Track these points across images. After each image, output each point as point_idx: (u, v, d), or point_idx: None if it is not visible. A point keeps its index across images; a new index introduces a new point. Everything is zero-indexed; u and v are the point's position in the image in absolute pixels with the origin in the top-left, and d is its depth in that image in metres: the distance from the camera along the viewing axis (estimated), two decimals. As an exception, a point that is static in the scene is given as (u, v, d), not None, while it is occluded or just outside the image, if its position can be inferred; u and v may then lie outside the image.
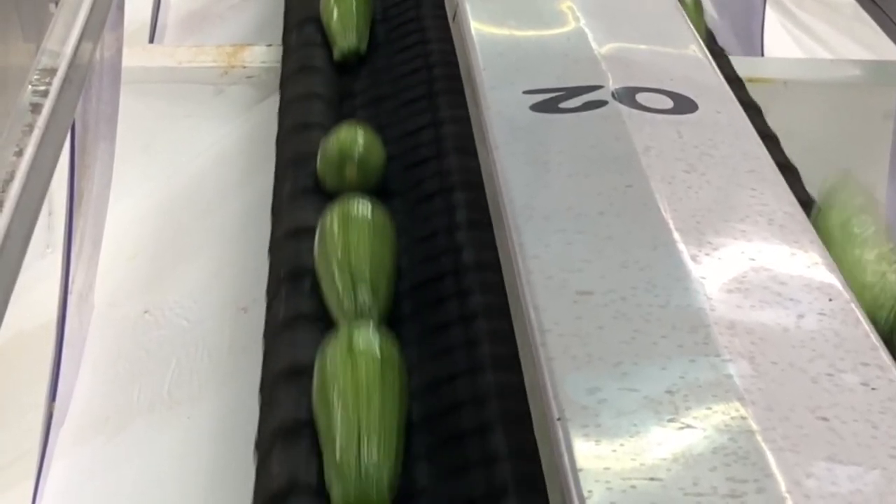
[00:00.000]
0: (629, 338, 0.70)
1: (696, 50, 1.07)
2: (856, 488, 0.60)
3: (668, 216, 0.81)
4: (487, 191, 0.91)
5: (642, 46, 1.05)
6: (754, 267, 0.77)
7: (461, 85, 1.08)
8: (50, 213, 1.34)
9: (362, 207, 1.05)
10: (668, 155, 0.88)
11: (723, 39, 1.67)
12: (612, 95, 0.95)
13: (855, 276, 0.92)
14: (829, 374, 0.68)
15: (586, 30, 1.06)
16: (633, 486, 0.60)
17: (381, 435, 0.83)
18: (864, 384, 0.68)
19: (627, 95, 0.95)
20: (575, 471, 0.61)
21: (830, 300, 0.74)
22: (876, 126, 1.48)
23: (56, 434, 1.14)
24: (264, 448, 0.86)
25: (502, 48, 1.05)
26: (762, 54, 1.83)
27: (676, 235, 0.79)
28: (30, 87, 0.97)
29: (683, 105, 0.96)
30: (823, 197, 1.04)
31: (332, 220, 1.04)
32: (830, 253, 0.80)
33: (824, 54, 2.07)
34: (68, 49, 1.03)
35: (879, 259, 0.95)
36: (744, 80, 1.32)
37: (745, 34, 1.86)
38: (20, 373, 1.26)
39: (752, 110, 1.22)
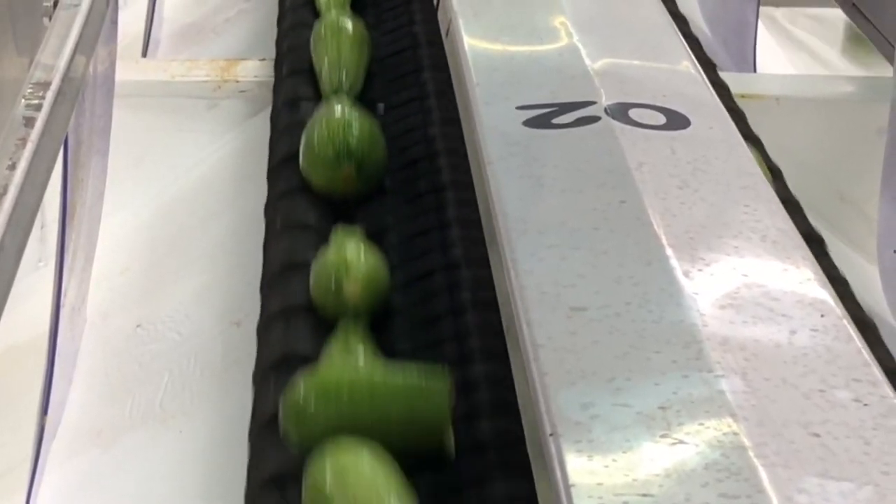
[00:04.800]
0: (622, 353, 0.70)
1: (689, 65, 1.07)
2: (848, 504, 0.61)
3: (661, 232, 0.81)
4: (480, 206, 0.91)
5: (635, 62, 1.06)
6: (747, 283, 0.77)
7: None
8: (42, 227, 1.34)
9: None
10: (661, 171, 0.88)
11: (715, 55, 1.68)
12: (605, 111, 0.95)
13: None
14: (822, 390, 0.68)
15: (579, 45, 1.06)
16: (625, 502, 0.60)
17: None
18: (857, 400, 0.68)
19: (620, 111, 0.95)
20: (567, 486, 0.61)
21: (822, 316, 0.74)
22: (868, 142, 1.49)
23: (48, 447, 1.14)
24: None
25: (496, 63, 1.05)
26: (755, 70, 1.84)
27: (670, 251, 0.79)
28: (23, 100, 0.97)
29: (676, 121, 0.96)
30: None
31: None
32: None
33: (817, 70, 2.07)
34: (62, 63, 1.03)
35: None
36: (736, 96, 1.33)
37: (738, 50, 1.87)
38: (12, 385, 1.26)
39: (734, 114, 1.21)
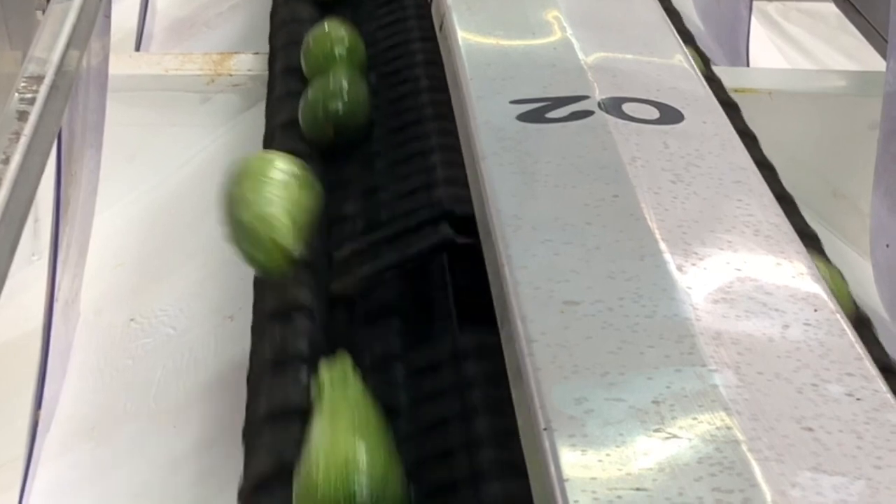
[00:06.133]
0: (616, 348, 0.70)
1: (682, 60, 1.07)
2: (841, 498, 0.61)
3: (654, 226, 0.81)
4: (474, 201, 0.91)
5: (629, 56, 1.06)
6: (740, 277, 0.77)
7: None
8: (36, 221, 1.34)
9: None
10: (654, 165, 0.88)
11: (708, 50, 1.68)
12: (599, 105, 0.95)
13: None
14: (814, 385, 0.68)
15: (573, 40, 1.06)
16: (619, 497, 0.60)
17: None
18: (849, 394, 0.68)
19: (614, 105, 0.95)
20: (561, 480, 0.61)
21: (815, 310, 0.75)
22: (861, 136, 1.49)
23: (42, 441, 1.14)
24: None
25: (489, 58, 1.05)
26: (748, 65, 1.84)
27: (663, 246, 0.79)
28: (16, 94, 0.97)
29: (670, 115, 0.96)
30: None
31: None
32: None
33: (809, 65, 2.07)
34: (55, 57, 1.03)
35: None
36: (729, 90, 1.33)
37: (731, 45, 1.87)
38: (5, 380, 1.26)
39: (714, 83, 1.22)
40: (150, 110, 1.56)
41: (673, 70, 1.05)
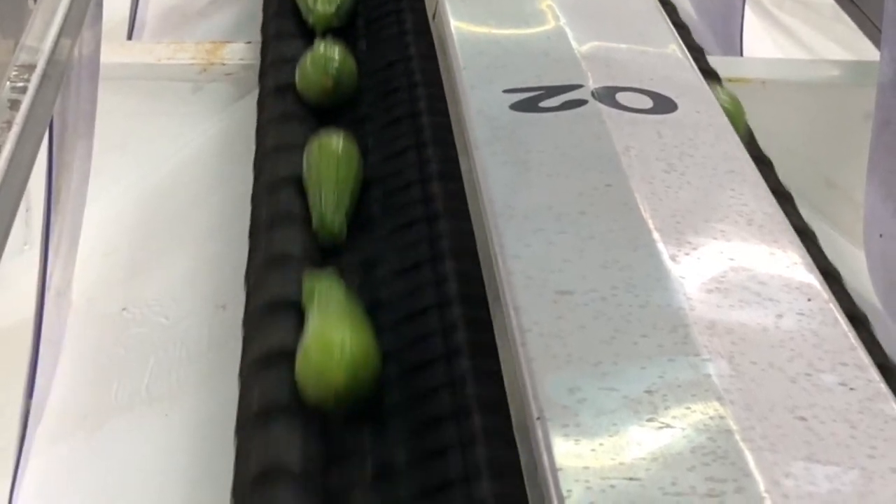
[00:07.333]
0: (609, 337, 0.70)
1: (676, 49, 1.07)
2: (834, 488, 0.61)
3: (647, 216, 0.81)
4: (467, 190, 0.91)
5: (622, 46, 1.05)
6: (734, 267, 0.77)
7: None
8: (28, 210, 1.33)
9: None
10: (647, 155, 0.88)
11: (701, 39, 1.67)
12: (592, 95, 0.95)
13: None
14: (808, 374, 0.68)
15: (566, 29, 1.06)
16: (612, 486, 0.60)
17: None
18: (843, 384, 0.68)
19: (607, 95, 0.95)
20: (554, 470, 0.61)
21: (809, 300, 0.75)
22: (855, 126, 1.49)
23: (33, 431, 1.14)
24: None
25: (482, 47, 1.05)
26: (741, 54, 1.84)
27: (656, 235, 0.79)
28: (8, 83, 0.97)
29: (663, 105, 0.96)
30: None
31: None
32: None
33: (803, 55, 2.07)
34: (47, 45, 1.03)
35: None
36: (723, 79, 1.33)
37: (725, 34, 1.87)
38: (-2, 369, 1.26)
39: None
40: (142, 99, 1.56)
41: (667, 59, 1.05)
